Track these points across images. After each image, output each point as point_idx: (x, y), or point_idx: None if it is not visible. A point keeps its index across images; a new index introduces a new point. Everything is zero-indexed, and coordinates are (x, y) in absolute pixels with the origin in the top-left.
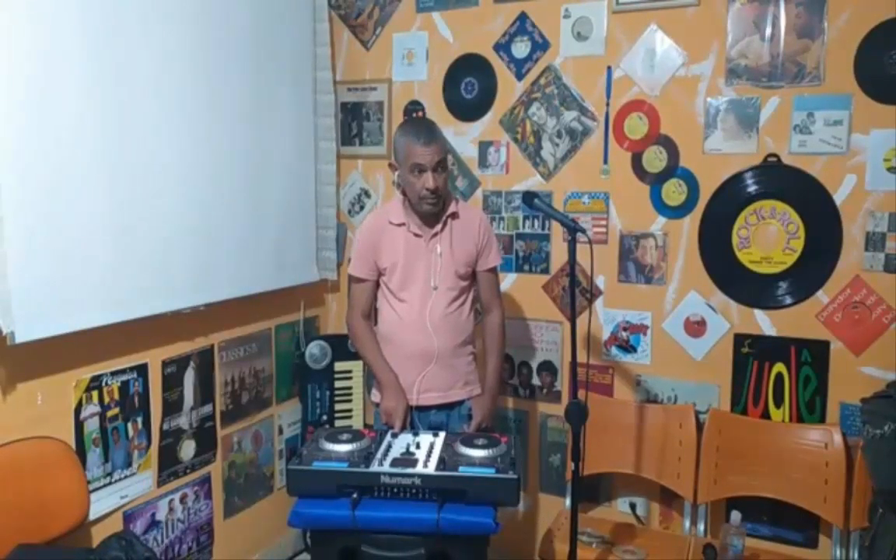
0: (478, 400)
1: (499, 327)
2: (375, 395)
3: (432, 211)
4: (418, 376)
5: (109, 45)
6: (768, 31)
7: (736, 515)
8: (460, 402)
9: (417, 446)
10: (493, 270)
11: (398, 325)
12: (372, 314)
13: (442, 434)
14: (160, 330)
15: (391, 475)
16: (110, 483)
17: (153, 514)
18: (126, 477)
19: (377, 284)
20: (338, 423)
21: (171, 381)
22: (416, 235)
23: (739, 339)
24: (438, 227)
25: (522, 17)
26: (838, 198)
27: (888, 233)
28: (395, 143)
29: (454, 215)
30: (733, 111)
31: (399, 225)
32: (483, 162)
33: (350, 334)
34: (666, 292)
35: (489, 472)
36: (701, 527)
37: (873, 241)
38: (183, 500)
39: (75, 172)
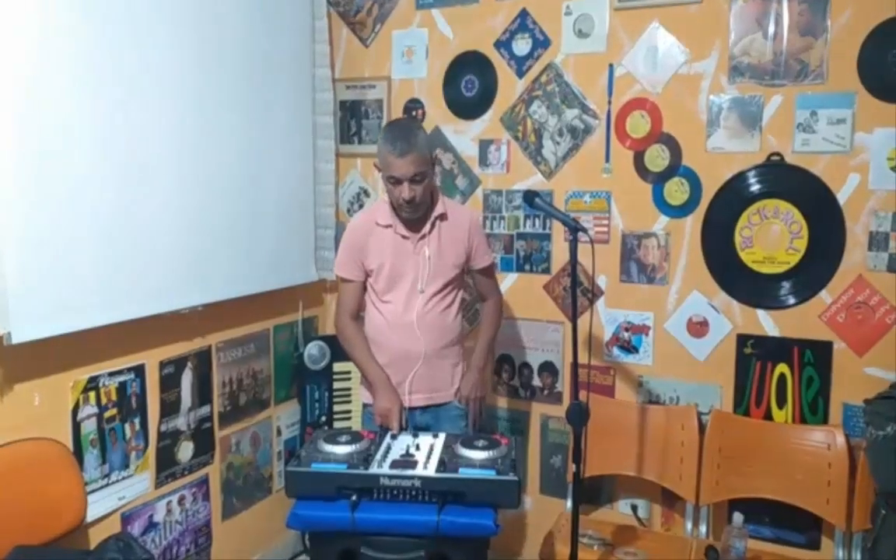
0: (464, 376)
1: (493, 309)
2: (365, 396)
3: (411, 218)
4: (406, 377)
5: (107, 43)
6: (771, 28)
7: (738, 517)
8: (448, 403)
9: (417, 448)
10: (487, 269)
11: (384, 327)
12: (360, 315)
13: (442, 435)
14: (158, 330)
15: (390, 477)
16: (108, 484)
17: (151, 516)
18: (124, 478)
19: (365, 285)
20: (336, 425)
21: (169, 382)
22: (404, 237)
23: (742, 340)
24: (426, 228)
25: (523, 13)
26: (842, 197)
27: (892, 232)
28: (377, 148)
29: (442, 216)
30: (736, 109)
31: (386, 226)
32: (483, 160)
33: (339, 335)
34: (668, 292)
35: (489, 474)
36: (703, 528)
37: (877, 241)
38: (181, 501)
39: (72, 172)
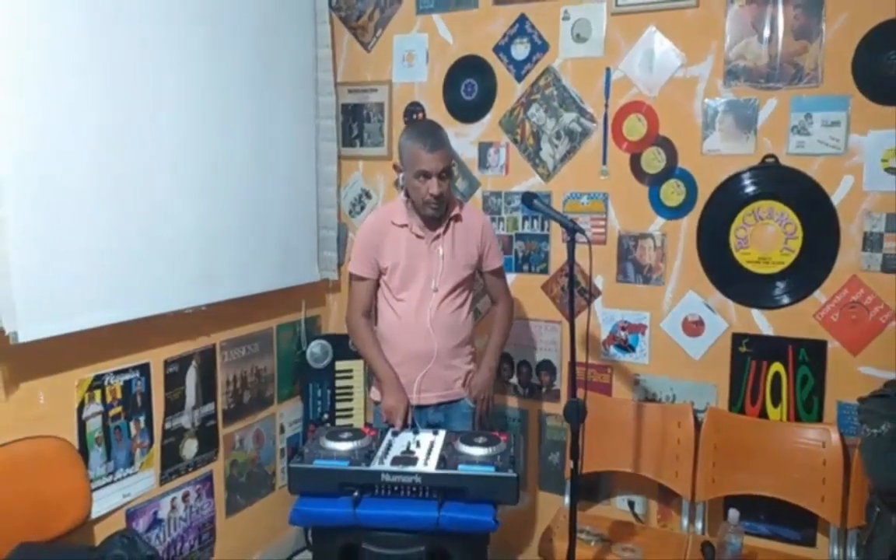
0: (475, 374)
1: (504, 313)
2: (375, 394)
3: (435, 216)
4: (418, 376)
5: (112, 45)
6: (766, 32)
7: (734, 514)
8: (459, 400)
9: (418, 445)
10: (499, 271)
11: (397, 326)
12: (372, 313)
13: (442, 432)
14: (162, 329)
15: (392, 473)
16: (113, 482)
17: (155, 513)
18: (128, 475)
19: (377, 283)
20: (339, 422)
21: (173, 381)
22: (419, 236)
23: (737, 339)
24: (441, 229)
25: (522, 19)
26: (836, 198)
27: (885, 233)
28: (400, 147)
29: (457, 218)
30: (731, 112)
31: (402, 225)
32: (483, 163)
33: (350, 333)
34: (664, 292)
35: (489, 471)
36: (699, 525)
37: (871, 242)
38: (185, 498)
39: (78, 173)
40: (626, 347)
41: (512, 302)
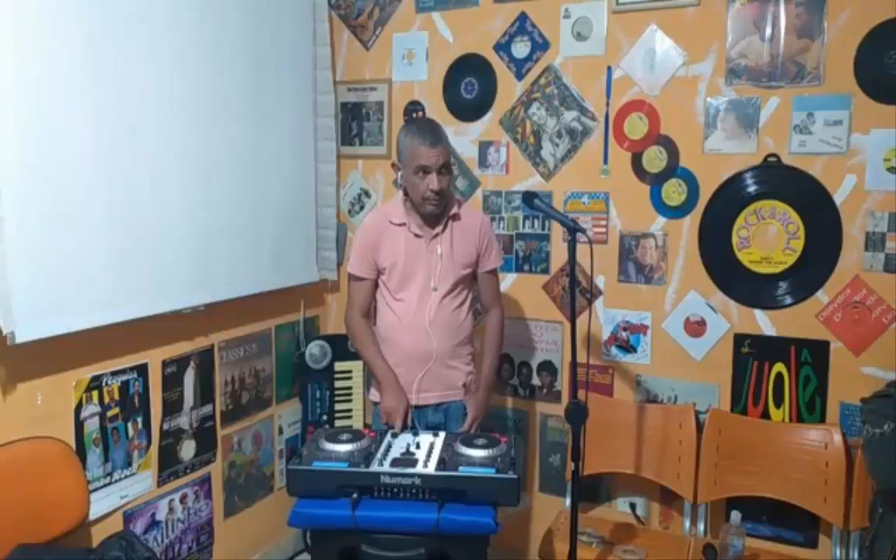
0: (472, 396)
1: (498, 326)
2: (374, 395)
3: (435, 212)
4: (417, 376)
5: (110, 45)
6: (768, 31)
7: (736, 515)
8: (458, 400)
9: (417, 446)
10: (494, 272)
11: (397, 326)
12: (371, 313)
13: (442, 434)
14: (160, 330)
15: (391, 475)
16: (110, 483)
17: (153, 514)
18: (126, 477)
19: (376, 283)
20: (338, 423)
21: (172, 381)
22: (417, 236)
23: (739, 339)
24: (439, 228)
25: (522, 17)
26: (838, 198)
27: (888, 233)
28: (399, 144)
29: (456, 217)
30: (733, 111)
31: (400, 225)
32: (483, 162)
33: (349, 333)
34: (666, 292)
35: (489, 472)
36: (701, 527)
37: (873, 241)
38: (183, 500)
39: (76, 172)
40: (628, 348)
41: (503, 311)
